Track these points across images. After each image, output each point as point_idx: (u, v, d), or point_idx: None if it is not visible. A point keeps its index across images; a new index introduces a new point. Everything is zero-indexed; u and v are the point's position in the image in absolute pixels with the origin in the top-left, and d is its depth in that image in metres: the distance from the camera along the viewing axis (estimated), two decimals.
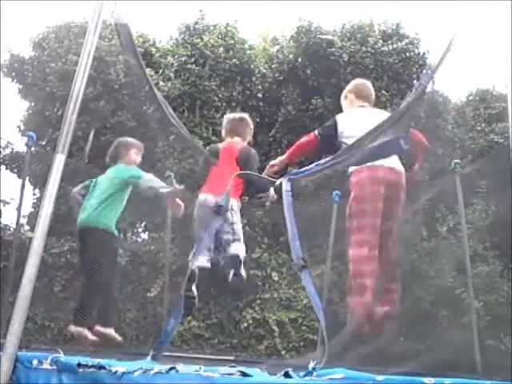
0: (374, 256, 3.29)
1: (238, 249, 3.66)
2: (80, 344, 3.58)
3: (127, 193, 3.76)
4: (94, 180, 3.85)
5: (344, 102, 3.84)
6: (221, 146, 3.92)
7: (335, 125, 3.51)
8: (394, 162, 3.41)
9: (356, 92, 3.77)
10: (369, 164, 3.28)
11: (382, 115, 3.45)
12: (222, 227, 3.54)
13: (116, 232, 3.66)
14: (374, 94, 3.87)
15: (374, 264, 3.28)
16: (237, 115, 4.16)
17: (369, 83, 3.93)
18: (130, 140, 3.98)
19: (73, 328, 3.45)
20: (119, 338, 3.65)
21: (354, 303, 3.28)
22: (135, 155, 3.88)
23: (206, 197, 3.62)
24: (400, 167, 3.45)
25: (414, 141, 3.47)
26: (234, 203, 3.60)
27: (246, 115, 4.14)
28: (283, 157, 3.69)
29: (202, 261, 3.51)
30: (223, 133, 4.02)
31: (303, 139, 3.61)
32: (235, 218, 3.64)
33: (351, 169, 3.40)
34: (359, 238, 3.33)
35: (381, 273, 3.35)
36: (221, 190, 3.34)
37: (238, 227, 3.69)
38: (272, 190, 3.64)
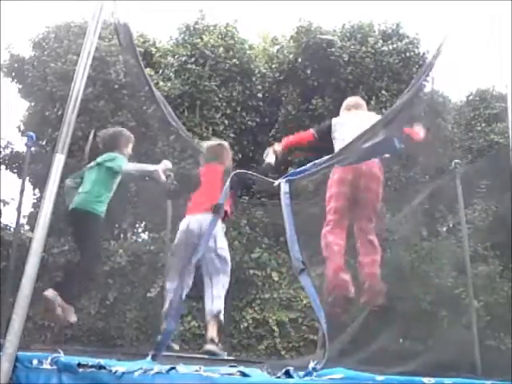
0: (338, 232, 3.68)
1: (215, 308, 3.57)
2: (47, 309, 3.48)
3: (116, 178, 3.87)
4: (88, 168, 4.00)
5: None
6: (199, 170, 3.99)
7: (330, 125, 3.95)
8: None
9: (346, 108, 4.17)
10: None
11: (372, 116, 3.89)
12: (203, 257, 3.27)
13: (103, 214, 3.79)
14: (361, 102, 4.26)
15: (338, 238, 3.66)
16: (215, 142, 4.31)
17: (355, 98, 4.41)
18: (129, 133, 4.14)
19: (50, 292, 3.41)
20: (73, 319, 3.60)
21: (325, 271, 3.65)
22: (130, 149, 4.06)
23: (189, 219, 3.65)
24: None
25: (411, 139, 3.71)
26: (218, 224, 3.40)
27: (224, 142, 4.27)
28: (281, 145, 3.95)
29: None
30: (201, 161, 4.07)
31: (302, 132, 4.03)
32: (220, 241, 3.60)
33: None
34: (327, 219, 3.75)
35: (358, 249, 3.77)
36: (206, 208, 3.35)
37: (225, 252, 3.69)
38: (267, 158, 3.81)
